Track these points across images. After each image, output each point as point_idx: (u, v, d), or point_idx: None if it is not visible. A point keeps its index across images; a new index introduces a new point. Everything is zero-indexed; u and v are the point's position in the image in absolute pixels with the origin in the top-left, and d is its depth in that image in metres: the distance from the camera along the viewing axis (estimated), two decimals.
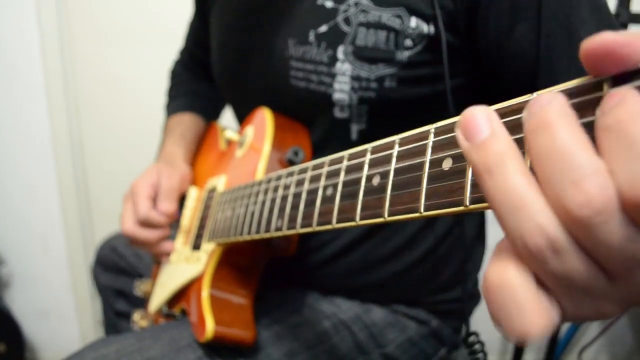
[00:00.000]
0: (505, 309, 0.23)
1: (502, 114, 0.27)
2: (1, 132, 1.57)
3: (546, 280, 0.24)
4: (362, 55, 0.60)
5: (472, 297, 0.82)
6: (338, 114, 0.64)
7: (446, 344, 0.78)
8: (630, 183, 0.20)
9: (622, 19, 1.10)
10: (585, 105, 0.23)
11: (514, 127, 0.26)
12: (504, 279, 0.24)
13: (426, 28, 0.58)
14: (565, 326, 1.49)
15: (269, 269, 0.70)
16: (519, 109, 0.26)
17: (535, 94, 0.25)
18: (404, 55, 0.59)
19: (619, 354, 1.69)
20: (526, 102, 0.25)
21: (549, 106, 0.23)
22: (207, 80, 0.98)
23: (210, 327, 0.59)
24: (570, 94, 0.24)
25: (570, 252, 0.22)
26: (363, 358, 0.70)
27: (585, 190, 0.20)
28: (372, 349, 0.71)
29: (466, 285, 0.77)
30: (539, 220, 0.22)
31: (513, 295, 0.23)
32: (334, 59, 0.62)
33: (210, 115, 0.97)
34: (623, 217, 0.21)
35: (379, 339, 0.71)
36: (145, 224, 0.74)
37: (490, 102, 0.30)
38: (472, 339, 0.56)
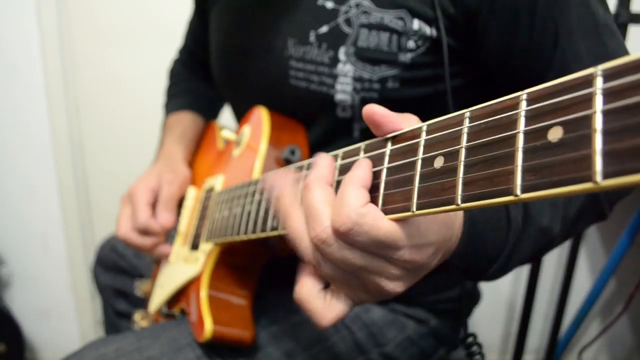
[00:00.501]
0: (308, 313, 0.40)
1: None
2: (1, 132, 1.57)
3: (329, 280, 0.40)
4: (364, 56, 0.60)
5: (472, 297, 0.82)
6: (340, 113, 0.64)
7: (445, 343, 0.78)
8: (333, 218, 0.35)
9: (622, 19, 1.09)
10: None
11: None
12: (300, 294, 0.41)
13: (429, 30, 0.58)
14: (565, 326, 1.49)
15: (268, 268, 0.70)
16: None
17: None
18: (407, 57, 0.59)
19: (619, 354, 1.68)
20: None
21: (311, 173, 0.40)
22: (206, 79, 0.98)
23: (208, 327, 0.60)
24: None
25: (324, 263, 0.38)
26: (362, 357, 0.70)
27: (314, 229, 0.37)
28: (371, 348, 0.71)
29: (465, 284, 0.77)
30: (305, 244, 0.39)
31: (309, 304, 0.40)
32: (335, 60, 0.62)
33: (209, 114, 0.97)
34: (341, 242, 0.36)
35: (378, 338, 0.71)
36: (143, 231, 0.74)
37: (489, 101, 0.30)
38: (470, 340, 0.55)
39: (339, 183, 0.39)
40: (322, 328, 0.40)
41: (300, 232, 0.39)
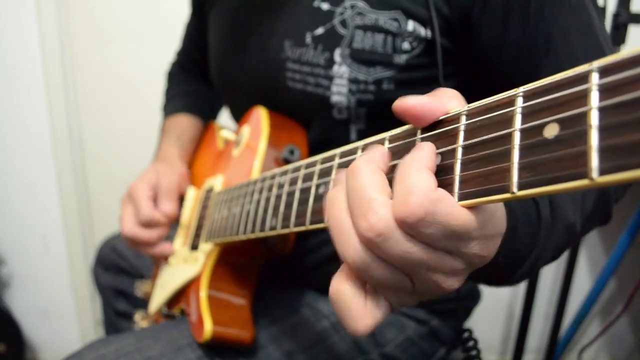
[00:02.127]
0: (342, 313, 0.33)
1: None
2: (1, 132, 1.57)
3: (371, 284, 0.33)
4: (359, 58, 0.60)
5: (472, 297, 0.82)
6: (336, 115, 0.64)
7: (445, 344, 0.78)
8: (397, 208, 0.29)
9: (622, 19, 1.09)
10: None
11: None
12: (339, 291, 0.33)
13: (423, 32, 0.58)
14: (565, 326, 1.49)
15: (268, 268, 0.70)
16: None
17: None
18: (401, 58, 0.59)
19: (619, 354, 1.68)
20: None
21: (360, 156, 0.33)
22: (203, 80, 0.98)
23: (208, 327, 0.59)
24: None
25: (375, 263, 0.31)
26: (362, 357, 0.70)
27: (368, 219, 0.29)
28: (371, 348, 0.71)
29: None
30: (351, 240, 0.31)
31: (345, 304, 0.33)
32: (331, 62, 0.62)
33: (208, 115, 0.97)
34: (401, 234, 0.29)
35: (378, 339, 0.71)
36: (148, 224, 0.74)
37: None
38: (465, 335, 0.56)
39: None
40: (359, 333, 0.32)
41: (342, 223, 0.32)
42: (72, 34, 1.53)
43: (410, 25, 0.58)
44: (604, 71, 0.22)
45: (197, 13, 0.92)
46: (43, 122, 1.56)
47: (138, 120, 1.57)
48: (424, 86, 0.61)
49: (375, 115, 0.63)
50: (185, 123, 0.92)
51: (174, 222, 0.78)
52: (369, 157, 0.32)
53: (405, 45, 0.59)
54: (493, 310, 1.67)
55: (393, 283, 0.32)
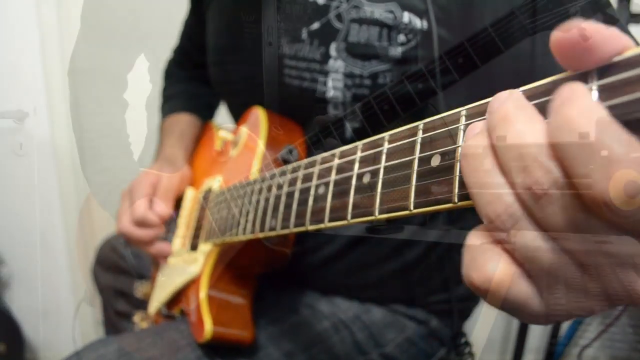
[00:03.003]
0: (471, 262, 0.28)
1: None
2: (1, 132, 1.57)
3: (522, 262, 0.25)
4: (355, 51, 0.60)
5: (472, 297, 0.82)
6: (332, 111, 0.64)
7: (445, 344, 0.78)
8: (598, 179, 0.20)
9: (622, 19, 1.09)
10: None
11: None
12: (472, 246, 0.26)
13: (419, 23, 0.58)
14: (565, 326, 1.49)
15: (268, 269, 0.70)
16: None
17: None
18: (397, 51, 0.59)
19: (619, 354, 1.68)
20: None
21: (507, 101, 0.24)
22: (201, 79, 0.98)
23: (208, 327, 0.59)
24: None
25: (526, 222, 0.23)
26: (362, 358, 0.70)
27: (534, 176, 0.22)
28: (371, 349, 0.71)
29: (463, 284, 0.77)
30: (501, 197, 0.24)
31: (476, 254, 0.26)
32: (326, 57, 0.62)
33: (206, 114, 0.97)
34: (577, 205, 0.21)
35: (378, 339, 0.71)
36: (141, 223, 0.74)
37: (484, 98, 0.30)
38: (461, 340, 0.56)
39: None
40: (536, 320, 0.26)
41: (488, 178, 0.24)
42: (72, 34, 1.52)
43: (406, 16, 0.58)
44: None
45: (195, 10, 0.92)
46: (43, 122, 1.56)
47: (138, 121, 1.57)
48: (421, 82, 0.61)
49: (370, 112, 0.63)
50: (186, 122, 0.92)
51: (169, 222, 0.78)
52: (518, 103, 0.24)
53: (401, 38, 0.59)
54: (493, 310, 1.66)
55: (552, 263, 0.23)
